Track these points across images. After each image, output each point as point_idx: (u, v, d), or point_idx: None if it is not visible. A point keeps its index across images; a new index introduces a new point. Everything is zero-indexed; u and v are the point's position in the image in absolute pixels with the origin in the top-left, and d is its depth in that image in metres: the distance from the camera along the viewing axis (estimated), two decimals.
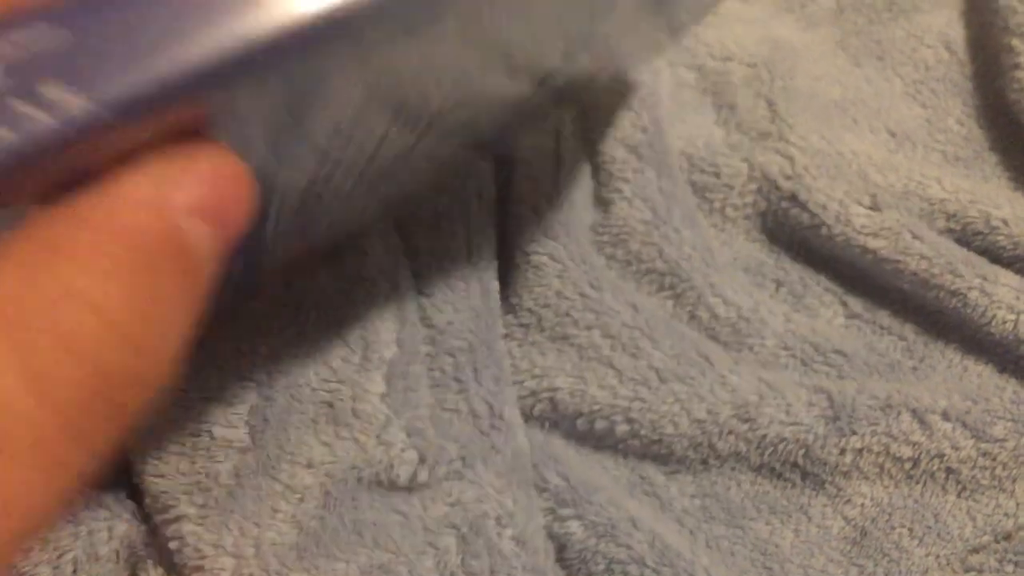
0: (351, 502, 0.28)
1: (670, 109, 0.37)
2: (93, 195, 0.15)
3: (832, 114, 0.38)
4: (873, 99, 0.39)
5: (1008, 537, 0.30)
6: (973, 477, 0.31)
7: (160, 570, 0.27)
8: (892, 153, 0.37)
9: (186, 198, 0.16)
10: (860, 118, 0.38)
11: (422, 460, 0.28)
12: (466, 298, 0.31)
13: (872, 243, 0.34)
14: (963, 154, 0.38)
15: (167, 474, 0.27)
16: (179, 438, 0.28)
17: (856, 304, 0.35)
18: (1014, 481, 0.31)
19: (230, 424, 0.28)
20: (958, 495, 0.31)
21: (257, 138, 0.17)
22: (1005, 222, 0.34)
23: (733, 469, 0.31)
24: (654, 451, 0.31)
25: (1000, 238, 0.34)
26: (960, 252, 0.34)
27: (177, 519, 0.27)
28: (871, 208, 0.34)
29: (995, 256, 0.35)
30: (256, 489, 0.27)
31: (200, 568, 0.26)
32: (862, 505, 0.31)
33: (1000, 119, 0.39)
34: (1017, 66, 0.37)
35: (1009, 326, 0.33)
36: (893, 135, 0.38)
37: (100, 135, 0.15)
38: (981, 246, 0.35)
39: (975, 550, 0.30)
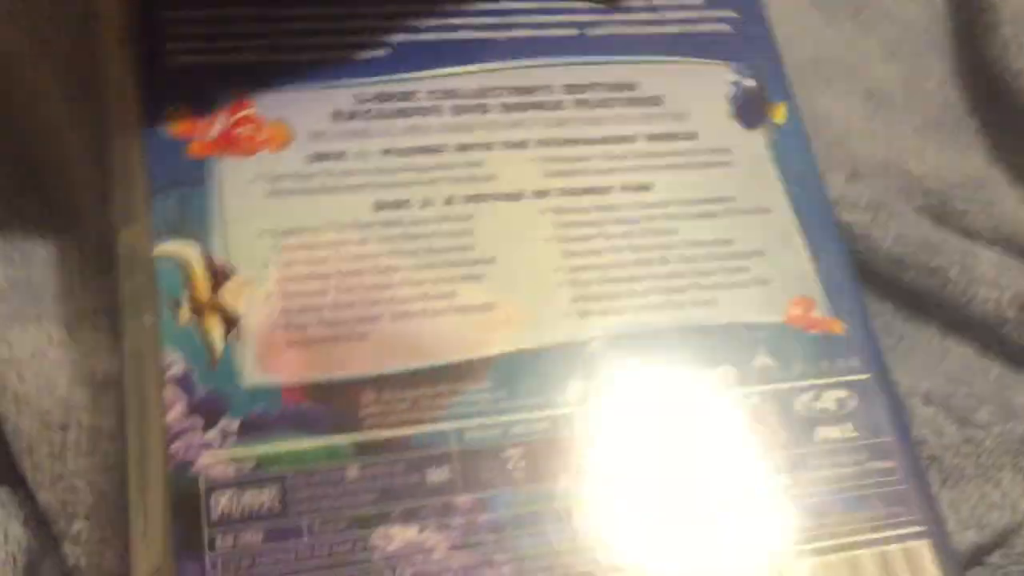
0: None
1: None
2: None
3: (806, 73, 0.36)
4: (849, 57, 0.37)
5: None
6: (957, 466, 0.30)
7: None
8: (870, 117, 0.36)
9: None
10: (835, 78, 0.36)
11: None
12: None
13: (847, 216, 0.32)
14: (944, 119, 0.37)
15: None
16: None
17: None
18: (1000, 469, 0.30)
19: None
20: (942, 484, 0.30)
21: None
22: (988, 203, 0.33)
23: None
24: None
25: (980, 218, 0.33)
26: (938, 231, 0.33)
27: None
28: (849, 178, 0.33)
29: (974, 236, 0.33)
30: None
31: None
32: None
33: (979, 80, 0.37)
34: (999, 23, 0.36)
35: (991, 305, 0.32)
36: (870, 96, 0.36)
37: None
38: (959, 224, 0.33)
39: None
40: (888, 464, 0.26)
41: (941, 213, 0.34)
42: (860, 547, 0.24)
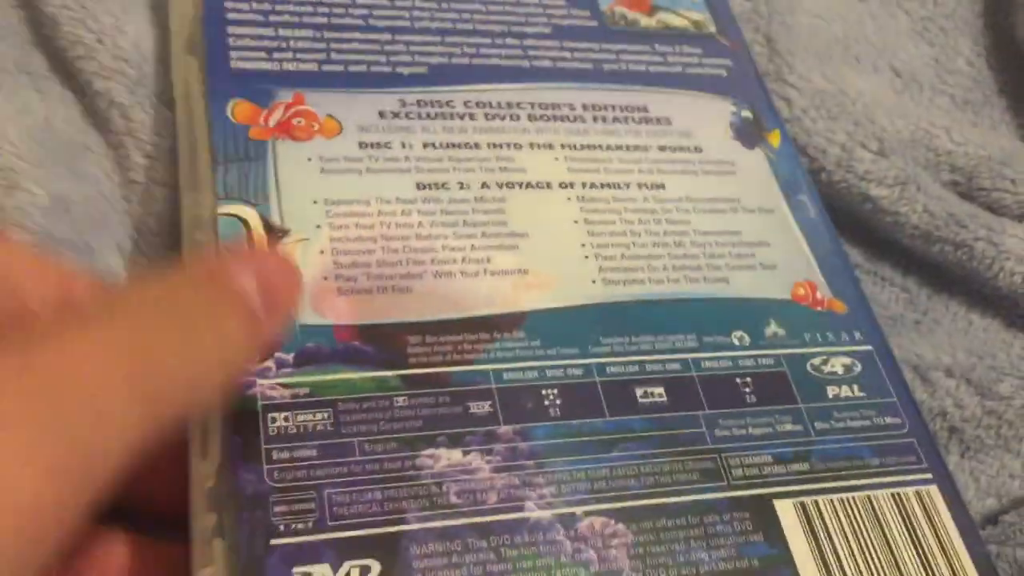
0: None
1: None
2: None
3: (834, 52, 0.36)
4: (877, 36, 0.38)
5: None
6: (977, 437, 0.30)
7: None
8: (898, 95, 0.36)
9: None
10: (863, 56, 0.37)
11: None
12: None
13: (874, 191, 0.33)
14: (972, 97, 0.37)
15: None
16: None
17: (856, 254, 0.34)
18: (1021, 441, 0.30)
19: None
20: (961, 455, 0.30)
21: None
22: (1013, 182, 0.33)
23: None
24: None
25: (1005, 195, 0.34)
26: (964, 205, 0.33)
27: None
28: (878, 153, 0.33)
29: (1000, 211, 0.34)
30: None
31: None
32: None
33: (1011, 60, 0.37)
34: None
35: (1018, 279, 0.32)
36: (899, 75, 0.37)
37: None
38: (985, 202, 0.34)
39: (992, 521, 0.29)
40: (896, 420, 0.27)
41: (968, 189, 0.34)
42: (876, 488, 0.26)
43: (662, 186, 0.31)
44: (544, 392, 0.25)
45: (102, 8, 0.31)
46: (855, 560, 0.25)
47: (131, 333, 0.19)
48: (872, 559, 0.25)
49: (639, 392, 0.26)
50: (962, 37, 0.38)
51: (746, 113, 0.33)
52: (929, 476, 0.26)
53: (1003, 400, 0.30)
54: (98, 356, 0.18)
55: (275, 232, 0.26)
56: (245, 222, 0.26)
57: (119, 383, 0.18)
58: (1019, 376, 0.31)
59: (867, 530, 0.25)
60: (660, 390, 0.26)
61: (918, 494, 0.26)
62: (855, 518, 0.25)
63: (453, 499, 0.23)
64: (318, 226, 0.27)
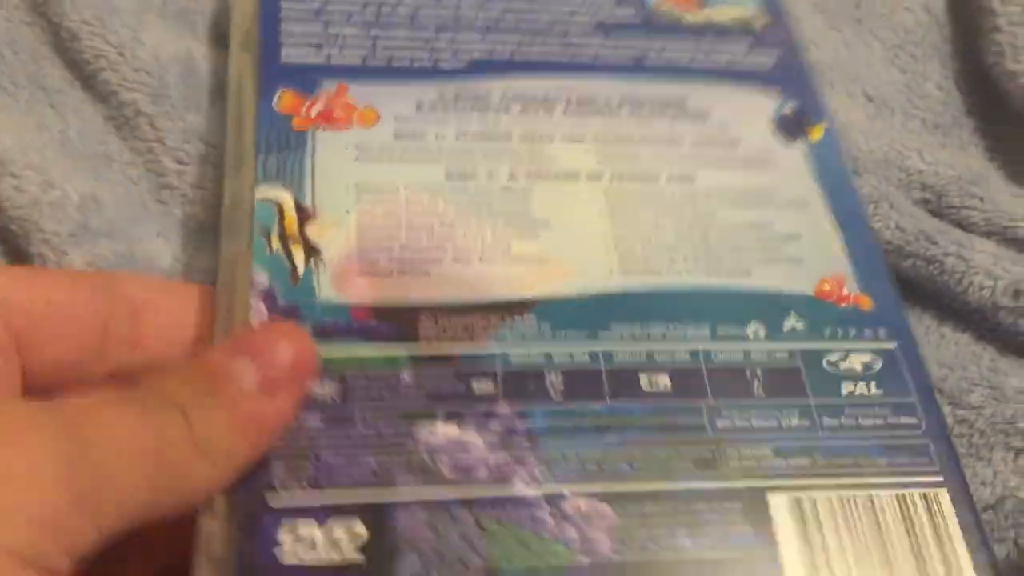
0: None
1: None
2: None
3: None
4: (851, 63, 0.39)
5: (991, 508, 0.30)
6: None
7: None
8: (871, 119, 0.37)
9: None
10: (837, 82, 0.38)
11: None
12: None
13: None
14: (942, 121, 0.38)
15: None
16: None
17: None
18: (991, 449, 0.31)
19: None
20: None
21: None
22: (981, 199, 0.35)
23: None
24: None
25: (974, 213, 0.35)
26: (935, 222, 0.34)
27: None
28: (851, 172, 0.34)
29: (969, 228, 0.35)
30: None
31: None
32: None
33: (978, 83, 0.39)
34: (996, 28, 0.38)
35: (987, 292, 0.33)
36: (871, 100, 0.38)
37: None
38: (955, 219, 0.35)
39: None
40: (911, 420, 0.28)
41: (938, 206, 0.35)
42: (879, 488, 0.26)
43: (692, 178, 0.31)
44: (547, 375, 0.26)
45: (119, 21, 0.32)
46: (846, 559, 0.25)
47: (143, 417, 0.21)
48: (864, 560, 0.25)
49: (643, 380, 0.27)
50: (931, 63, 0.39)
51: (790, 106, 0.34)
52: (940, 479, 0.26)
53: (974, 410, 0.31)
54: (121, 424, 0.20)
55: (305, 214, 0.28)
56: (280, 207, 0.28)
57: (137, 449, 0.20)
58: (989, 386, 0.32)
59: (863, 530, 0.25)
60: (665, 379, 0.27)
61: (924, 496, 0.26)
62: (852, 516, 0.25)
63: (445, 472, 0.24)
64: (347, 211, 0.28)
